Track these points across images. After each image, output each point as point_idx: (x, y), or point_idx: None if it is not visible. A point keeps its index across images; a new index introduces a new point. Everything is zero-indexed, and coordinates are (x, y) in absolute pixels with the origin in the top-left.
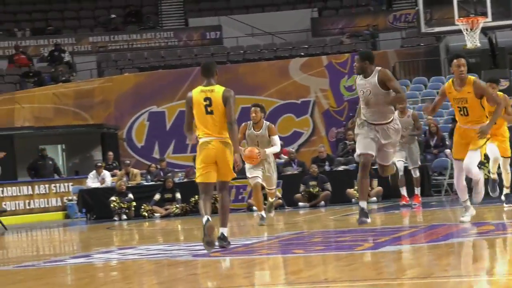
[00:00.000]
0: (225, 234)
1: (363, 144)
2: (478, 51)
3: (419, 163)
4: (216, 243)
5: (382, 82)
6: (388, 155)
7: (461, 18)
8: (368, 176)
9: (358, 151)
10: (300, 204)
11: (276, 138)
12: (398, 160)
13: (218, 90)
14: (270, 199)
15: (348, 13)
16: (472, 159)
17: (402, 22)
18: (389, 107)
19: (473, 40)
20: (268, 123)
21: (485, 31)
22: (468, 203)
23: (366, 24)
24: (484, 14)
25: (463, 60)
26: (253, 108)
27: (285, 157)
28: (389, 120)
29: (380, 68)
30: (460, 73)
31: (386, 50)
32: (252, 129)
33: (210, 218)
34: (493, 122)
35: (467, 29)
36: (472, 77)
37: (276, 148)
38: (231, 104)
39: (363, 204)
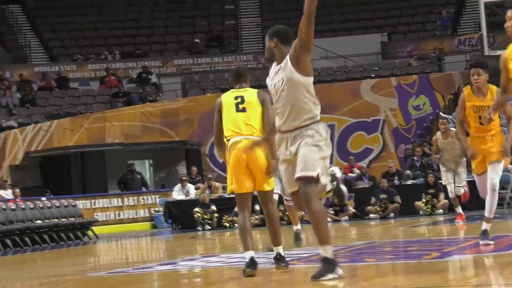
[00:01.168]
0: (282, 253)
1: (287, 181)
2: None
3: (464, 183)
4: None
5: (294, 60)
6: (302, 158)
7: None
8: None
9: (285, 191)
10: (371, 215)
11: None
12: (448, 183)
13: (251, 91)
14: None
15: (416, 37)
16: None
17: (467, 46)
18: (308, 104)
19: None
20: None
21: None
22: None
23: (432, 48)
24: None
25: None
26: None
27: (357, 171)
28: (307, 123)
29: None
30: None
31: (452, 72)
32: None
33: (254, 256)
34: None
35: None
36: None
37: None
38: (269, 107)
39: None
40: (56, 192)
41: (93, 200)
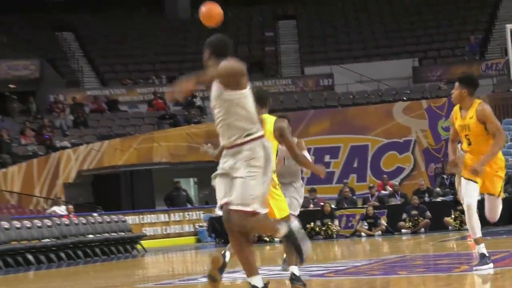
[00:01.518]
0: (296, 273)
1: (217, 191)
2: None
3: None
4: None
5: (224, 77)
6: (240, 188)
7: None
8: (246, 242)
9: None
10: (403, 230)
11: (306, 154)
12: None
13: (270, 121)
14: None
15: (445, 62)
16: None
17: (493, 70)
18: (240, 120)
19: None
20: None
21: None
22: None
23: (461, 72)
24: None
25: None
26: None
27: (390, 189)
28: (243, 141)
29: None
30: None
31: (479, 95)
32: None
33: (227, 253)
34: (490, 156)
35: None
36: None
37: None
38: (288, 137)
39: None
40: (107, 208)
41: (141, 216)
